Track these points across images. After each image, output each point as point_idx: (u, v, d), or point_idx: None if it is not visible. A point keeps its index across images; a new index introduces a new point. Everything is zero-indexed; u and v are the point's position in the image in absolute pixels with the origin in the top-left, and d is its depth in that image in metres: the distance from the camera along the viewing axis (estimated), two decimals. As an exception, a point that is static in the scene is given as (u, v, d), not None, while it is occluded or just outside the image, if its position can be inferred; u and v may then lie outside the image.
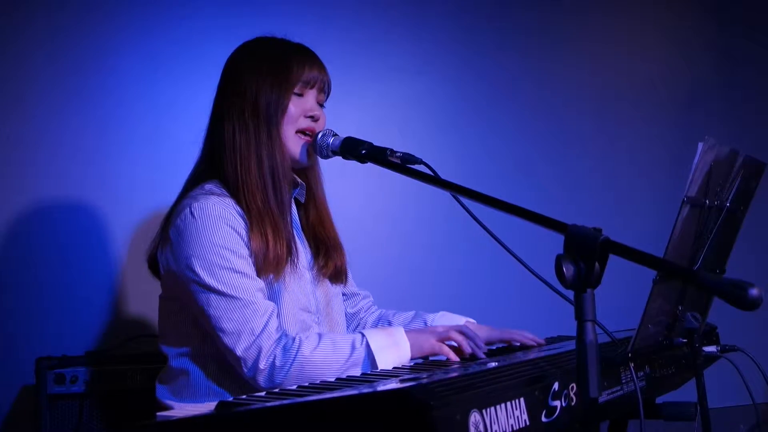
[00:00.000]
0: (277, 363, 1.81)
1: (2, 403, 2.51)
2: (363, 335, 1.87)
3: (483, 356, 1.89)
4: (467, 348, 1.89)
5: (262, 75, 1.99)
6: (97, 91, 2.70)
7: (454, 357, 1.88)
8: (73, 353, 2.38)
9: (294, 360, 1.81)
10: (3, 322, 2.55)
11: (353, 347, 1.85)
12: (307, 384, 1.67)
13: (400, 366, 1.87)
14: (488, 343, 2.05)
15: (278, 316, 1.92)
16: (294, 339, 1.85)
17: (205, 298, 1.85)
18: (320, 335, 1.87)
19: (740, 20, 3.95)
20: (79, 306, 2.62)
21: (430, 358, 1.95)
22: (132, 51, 2.75)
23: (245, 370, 1.83)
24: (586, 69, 3.61)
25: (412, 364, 1.89)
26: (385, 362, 1.84)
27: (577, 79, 3.58)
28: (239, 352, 1.82)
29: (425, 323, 2.21)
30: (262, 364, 1.81)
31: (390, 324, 2.24)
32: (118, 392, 2.33)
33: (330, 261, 2.11)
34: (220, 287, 1.84)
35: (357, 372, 1.82)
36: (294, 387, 1.63)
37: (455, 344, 1.90)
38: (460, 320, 2.18)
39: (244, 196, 1.93)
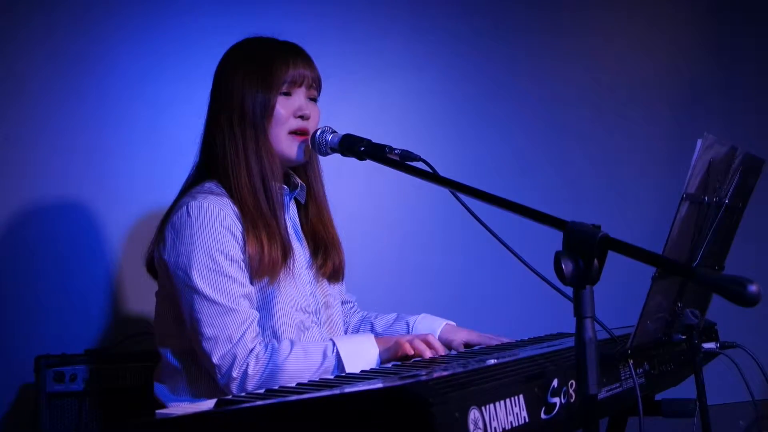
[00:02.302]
0: (250, 371, 1.82)
1: (2, 402, 2.50)
2: (333, 343, 1.89)
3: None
4: (428, 355, 1.89)
5: (245, 78, 1.98)
6: (95, 89, 2.70)
7: (427, 354, 1.89)
8: (73, 351, 2.38)
9: (266, 368, 1.83)
10: (2, 321, 2.55)
11: (324, 355, 1.87)
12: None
13: (400, 365, 1.87)
14: (467, 345, 2.08)
15: (273, 317, 1.93)
16: (267, 347, 1.85)
17: (190, 299, 1.86)
18: (292, 343, 1.88)
19: (740, 20, 3.94)
20: (78, 304, 2.62)
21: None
22: (130, 49, 2.74)
23: (219, 377, 1.84)
24: (586, 67, 3.61)
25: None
26: (354, 370, 1.85)
27: (576, 77, 3.57)
28: (215, 359, 1.83)
29: (407, 325, 2.21)
30: (235, 373, 1.82)
31: (372, 326, 2.25)
32: (118, 390, 2.33)
33: (328, 259, 2.11)
34: (206, 291, 1.84)
35: None
36: (293, 385, 1.63)
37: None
38: (441, 322, 2.18)
39: (238, 200, 1.93)
